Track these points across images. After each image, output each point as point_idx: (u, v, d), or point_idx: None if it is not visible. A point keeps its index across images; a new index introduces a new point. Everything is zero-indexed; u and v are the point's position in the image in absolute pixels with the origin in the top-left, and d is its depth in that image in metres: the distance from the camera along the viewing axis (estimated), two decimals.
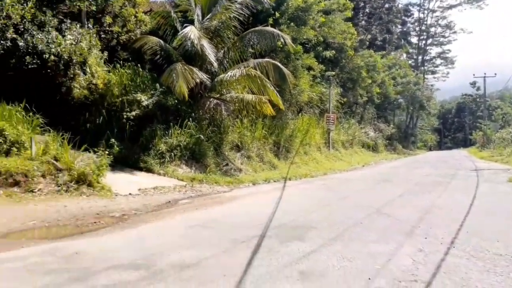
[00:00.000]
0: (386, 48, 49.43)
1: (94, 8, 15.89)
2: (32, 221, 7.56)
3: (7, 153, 10.37)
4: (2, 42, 12.47)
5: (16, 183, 9.33)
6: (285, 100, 20.08)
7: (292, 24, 20.65)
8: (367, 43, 38.74)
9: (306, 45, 23.56)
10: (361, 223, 7.94)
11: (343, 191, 12.71)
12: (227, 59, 17.19)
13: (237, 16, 16.76)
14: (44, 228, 7.32)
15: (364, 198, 11.36)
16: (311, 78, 23.79)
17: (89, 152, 11.41)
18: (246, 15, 17.00)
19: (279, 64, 17.06)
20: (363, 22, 44.11)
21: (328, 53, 25.43)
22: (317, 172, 18.00)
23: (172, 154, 13.85)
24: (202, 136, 14.68)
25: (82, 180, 9.97)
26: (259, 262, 5.47)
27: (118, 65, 15.85)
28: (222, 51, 17.15)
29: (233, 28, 17.17)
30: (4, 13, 12.04)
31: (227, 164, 15.18)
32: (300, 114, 23.35)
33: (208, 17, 16.74)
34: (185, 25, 15.39)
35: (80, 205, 8.85)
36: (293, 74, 19.66)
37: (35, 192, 9.23)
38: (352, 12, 29.69)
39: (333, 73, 27.18)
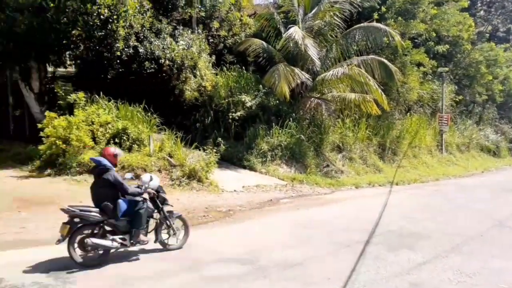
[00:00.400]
0: (511, 40, 43.67)
1: (203, 14, 16.95)
2: None
3: (130, 149, 11.61)
4: (126, 49, 13.98)
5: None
6: (391, 99, 18.97)
7: (399, 18, 19.40)
8: (487, 35, 34.59)
9: (416, 40, 21.93)
10: (481, 235, 7.10)
11: (459, 199, 11.52)
12: (329, 58, 16.88)
13: (341, 14, 16.36)
14: None
15: (484, 208, 10.14)
16: (421, 75, 22.01)
17: (199, 150, 12.17)
18: (350, 12, 16.49)
19: (386, 61, 16.16)
20: (481, 12, 39.53)
21: (441, 48, 23.28)
22: (427, 177, 16.62)
23: (273, 153, 14.05)
24: (302, 136, 14.64)
25: (192, 176, 10.68)
26: (365, 268, 5.23)
27: (225, 68, 16.64)
28: (325, 50, 16.91)
29: (336, 26, 16.80)
30: (128, 23, 13.47)
31: (327, 165, 14.90)
32: (408, 113, 21.79)
33: (310, 16, 16.63)
34: (289, 26, 15.50)
35: (191, 199, 9.48)
36: (401, 71, 18.46)
37: None
38: (469, 2, 26.79)
39: (447, 69, 24.81)
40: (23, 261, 5.16)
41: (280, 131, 14.53)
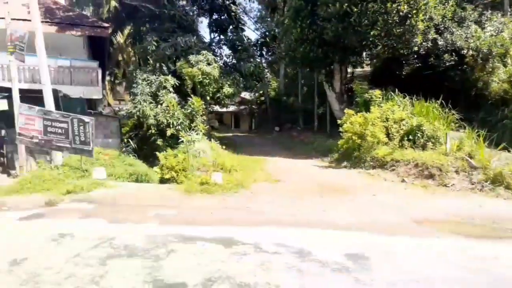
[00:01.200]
0: None
1: None
2: (444, 214, 7.63)
3: (423, 147, 11.17)
4: (423, 43, 13.47)
5: (431, 176, 9.79)
6: None
7: None
8: None
9: None
10: None
11: None
12: None
13: None
14: (456, 223, 7.19)
15: None
16: None
17: (508, 151, 10.29)
18: None
19: None
20: None
21: None
22: None
23: None
24: None
25: (498, 181, 9.04)
26: None
27: None
28: None
29: None
30: (428, 16, 12.88)
31: None
32: None
33: None
34: None
35: (497, 207, 8.07)
36: None
37: (448, 186, 9.32)
38: None
39: None
40: (323, 240, 5.76)
41: None
